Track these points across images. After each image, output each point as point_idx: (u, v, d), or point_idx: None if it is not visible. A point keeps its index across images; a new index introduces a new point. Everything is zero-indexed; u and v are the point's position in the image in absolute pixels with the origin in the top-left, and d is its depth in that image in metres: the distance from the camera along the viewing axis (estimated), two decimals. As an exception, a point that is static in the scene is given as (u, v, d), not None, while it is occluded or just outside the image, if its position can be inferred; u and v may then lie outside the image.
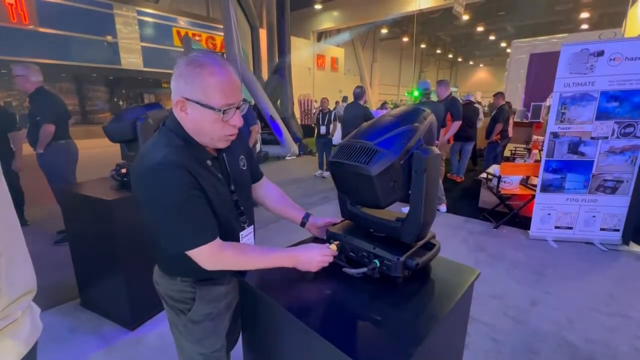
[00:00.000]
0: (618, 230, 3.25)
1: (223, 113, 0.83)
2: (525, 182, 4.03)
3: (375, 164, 0.79)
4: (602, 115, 3.03)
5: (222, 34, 8.84)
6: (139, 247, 1.89)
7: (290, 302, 0.87)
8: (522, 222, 3.68)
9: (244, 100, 0.91)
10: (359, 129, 0.94)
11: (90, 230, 2.06)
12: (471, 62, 34.42)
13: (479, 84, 33.12)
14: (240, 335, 1.16)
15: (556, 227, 3.40)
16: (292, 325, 0.82)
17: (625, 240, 3.23)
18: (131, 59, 12.58)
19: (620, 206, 3.19)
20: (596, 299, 2.42)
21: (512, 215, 3.73)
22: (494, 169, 4.28)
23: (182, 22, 13.90)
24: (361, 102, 4.81)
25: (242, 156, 1.07)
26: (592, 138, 3.11)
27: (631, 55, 2.86)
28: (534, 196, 3.45)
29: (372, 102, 20.91)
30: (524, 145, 6.55)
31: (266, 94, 8.41)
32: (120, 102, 15.22)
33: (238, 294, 1.09)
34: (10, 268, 0.61)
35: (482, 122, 6.57)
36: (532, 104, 7.47)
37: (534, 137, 6.35)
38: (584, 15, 15.71)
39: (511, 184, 3.87)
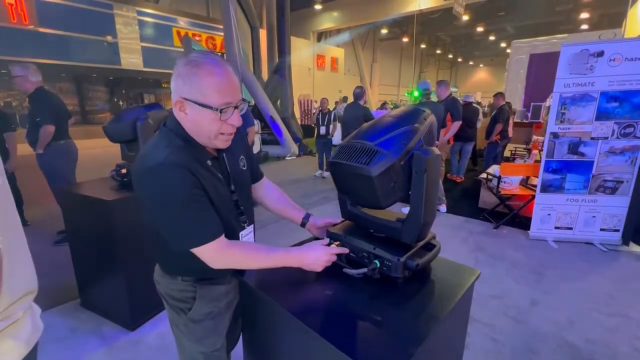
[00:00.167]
0: (618, 230, 3.25)
1: (220, 112, 0.84)
2: (525, 183, 4.03)
3: (376, 165, 0.79)
4: (602, 115, 3.04)
5: (222, 34, 8.84)
6: (139, 247, 1.89)
7: (290, 302, 0.87)
8: (522, 223, 3.68)
9: (243, 100, 0.91)
10: (359, 130, 0.94)
11: (90, 231, 2.06)
12: (471, 63, 34.43)
13: (479, 84, 33.13)
14: (241, 335, 1.16)
15: (556, 228, 3.40)
16: (292, 325, 0.82)
17: (625, 241, 3.23)
18: (131, 59, 12.58)
19: (620, 206, 3.19)
20: (596, 299, 2.42)
21: (512, 215, 3.74)
22: (494, 169, 4.29)
23: (182, 22, 13.90)
24: (361, 103, 4.81)
25: (242, 156, 1.08)
26: (592, 138, 3.11)
27: (631, 56, 2.87)
28: (534, 196, 3.45)
29: (372, 102, 20.91)
30: (524, 146, 6.55)
31: (266, 94, 8.41)
32: (120, 102, 15.24)
33: (238, 294, 1.09)
34: (11, 268, 0.61)
35: (481, 123, 6.57)
36: (532, 104, 7.47)
37: (534, 137, 6.35)
38: (584, 15, 15.71)
39: (511, 184, 3.87)
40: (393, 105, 14.85)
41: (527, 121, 7.60)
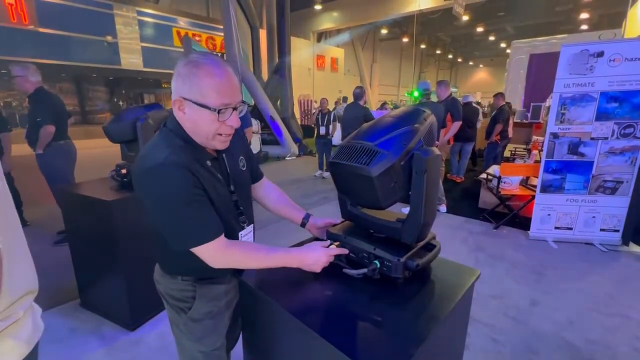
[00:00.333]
0: (618, 230, 3.26)
1: (219, 113, 0.84)
2: (525, 183, 4.03)
3: (376, 165, 0.79)
4: (601, 115, 3.04)
5: (222, 34, 8.85)
6: (139, 247, 1.89)
7: (290, 302, 0.87)
8: (522, 223, 3.68)
9: (243, 102, 0.91)
10: (359, 130, 0.94)
11: (90, 231, 2.06)
12: (471, 63, 34.44)
13: (479, 84, 33.14)
14: (240, 335, 1.16)
15: (556, 228, 3.40)
16: (292, 325, 0.82)
17: (625, 241, 3.23)
18: (131, 59, 12.59)
19: (620, 207, 3.19)
20: (596, 299, 2.42)
21: (512, 215, 3.74)
22: (494, 169, 4.29)
23: (182, 22, 13.91)
24: (361, 103, 4.81)
25: (241, 157, 1.08)
26: (592, 139, 3.11)
27: (631, 56, 2.87)
28: (533, 197, 3.45)
29: (372, 102, 20.92)
30: (524, 146, 6.55)
31: (266, 94, 8.41)
32: (120, 103, 15.25)
33: (238, 293, 1.09)
34: (11, 268, 0.61)
35: (481, 123, 6.56)
36: (531, 104, 7.46)
37: (534, 137, 6.34)
38: (584, 16, 15.72)
39: (511, 184, 3.87)
40: (393, 106, 14.84)
41: (527, 121, 7.60)
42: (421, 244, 0.95)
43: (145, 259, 1.14)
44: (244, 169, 1.08)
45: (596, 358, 1.87)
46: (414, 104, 7.64)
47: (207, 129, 0.87)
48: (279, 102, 9.61)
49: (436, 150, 0.85)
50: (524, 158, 5.48)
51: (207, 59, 0.84)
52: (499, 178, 3.78)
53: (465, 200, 4.86)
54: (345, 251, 0.97)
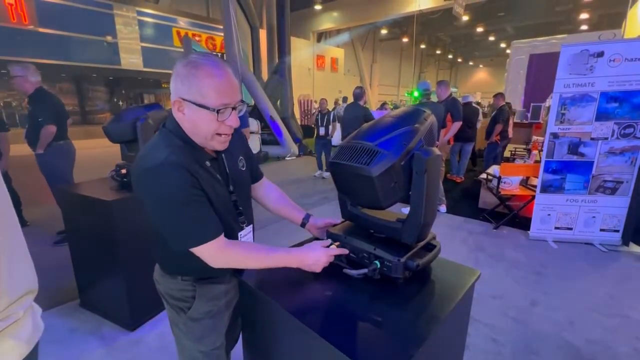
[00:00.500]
0: (618, 231, 3.26)
1: (218, 113, 0.84)
2: (525, 183, 4.03)
3: (376, 165, 0.79)
4: (601, 116, 3.04)
5: (222, 34, 8.84)
6: (139, 248, 1.89)
7: (290, 302, 0.87)
8: (522, 223, 3.68)
9: (242, 101, 0.91)
10: (359, 130, 0.94)
11: (90, 231, 2.06)
12: (471, 63, 34.44)
13: (479, 84, 33.15)
14: (240, 335, 1.16)
15: (556, 228, 3.40)
16: (292, 325, 0.82)
17: (625, 241, 3.23)
18: (131, 59, 12.59)
19: (620, 207, 3.19)
20: (596, 299, 2.42)
21: (512, 215, 3.74)
22: (494, 169, 4.29)
23: (182, 22, 13.91)
24: (361, 103, 4.81)
25: (241, 157, 1.08)
26: (592, 139, 3.11)
27: (631, 56, 2.87)
28: (533, 197, 3.45)
29: (372, 102, 20.92)
30: (524, 146, 6.55)
31: (266, 94, 8.41)
32: (120, 103, 15.24)
33: (238, 293, 1.09)
34: (11, 268, 0.61)
35: (481, 123, 6.56)
36: (531, 104, 7.47)
37: (534, 137, 6.34)
38: (584, 16, 15.73)
39: (511, 184, 3.87)
40: (393, 106, 14.84)
41: (527, 121, 7.61)
42: (421, 244, 0.95)
43: (145, 259, 1.14)
44: (244, 169, 1.09)
45: (596, 358, 1.87)
46: (414, 104, 7.65)
47: (206, 129, 0.87)
48: (279, 102, 9.61)
49: (436, 151, 0.85)
50: (524, 158, 5.48)
51: (206, 59, 0.84)
52: (499, 178, 3.78)
53: (465, 200, 4.86)
54: (345, 251, 0.97)
